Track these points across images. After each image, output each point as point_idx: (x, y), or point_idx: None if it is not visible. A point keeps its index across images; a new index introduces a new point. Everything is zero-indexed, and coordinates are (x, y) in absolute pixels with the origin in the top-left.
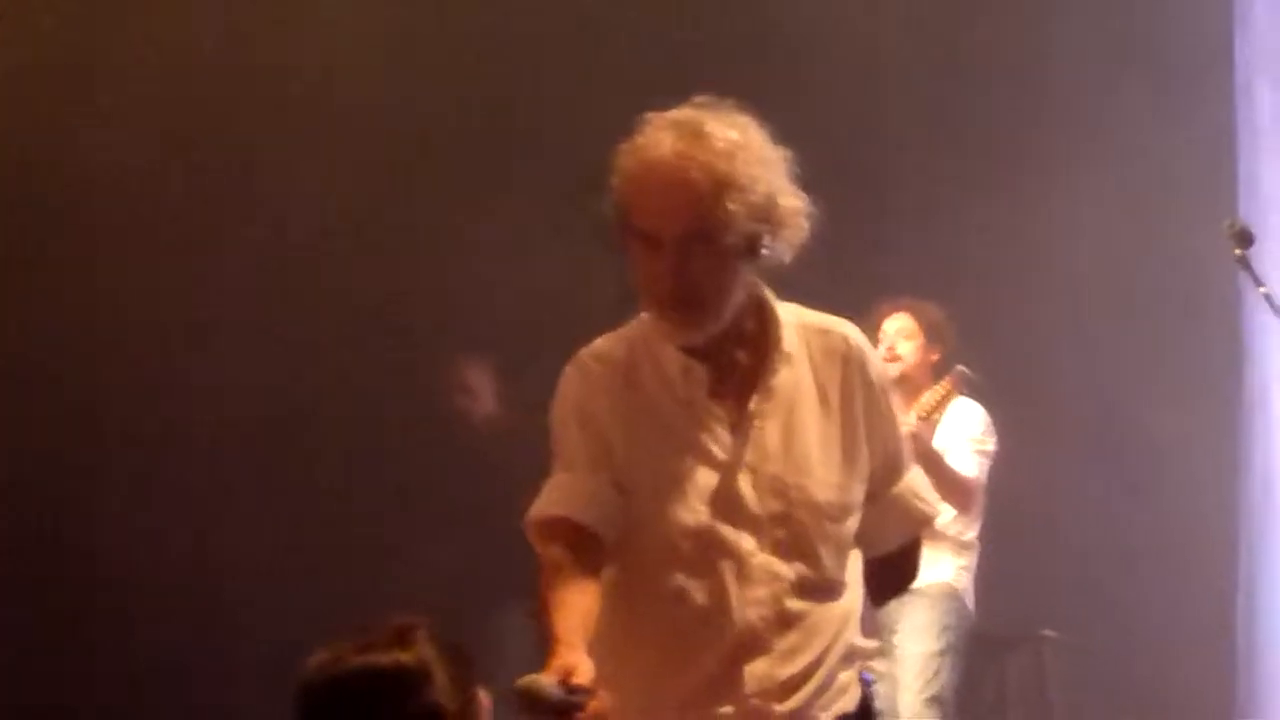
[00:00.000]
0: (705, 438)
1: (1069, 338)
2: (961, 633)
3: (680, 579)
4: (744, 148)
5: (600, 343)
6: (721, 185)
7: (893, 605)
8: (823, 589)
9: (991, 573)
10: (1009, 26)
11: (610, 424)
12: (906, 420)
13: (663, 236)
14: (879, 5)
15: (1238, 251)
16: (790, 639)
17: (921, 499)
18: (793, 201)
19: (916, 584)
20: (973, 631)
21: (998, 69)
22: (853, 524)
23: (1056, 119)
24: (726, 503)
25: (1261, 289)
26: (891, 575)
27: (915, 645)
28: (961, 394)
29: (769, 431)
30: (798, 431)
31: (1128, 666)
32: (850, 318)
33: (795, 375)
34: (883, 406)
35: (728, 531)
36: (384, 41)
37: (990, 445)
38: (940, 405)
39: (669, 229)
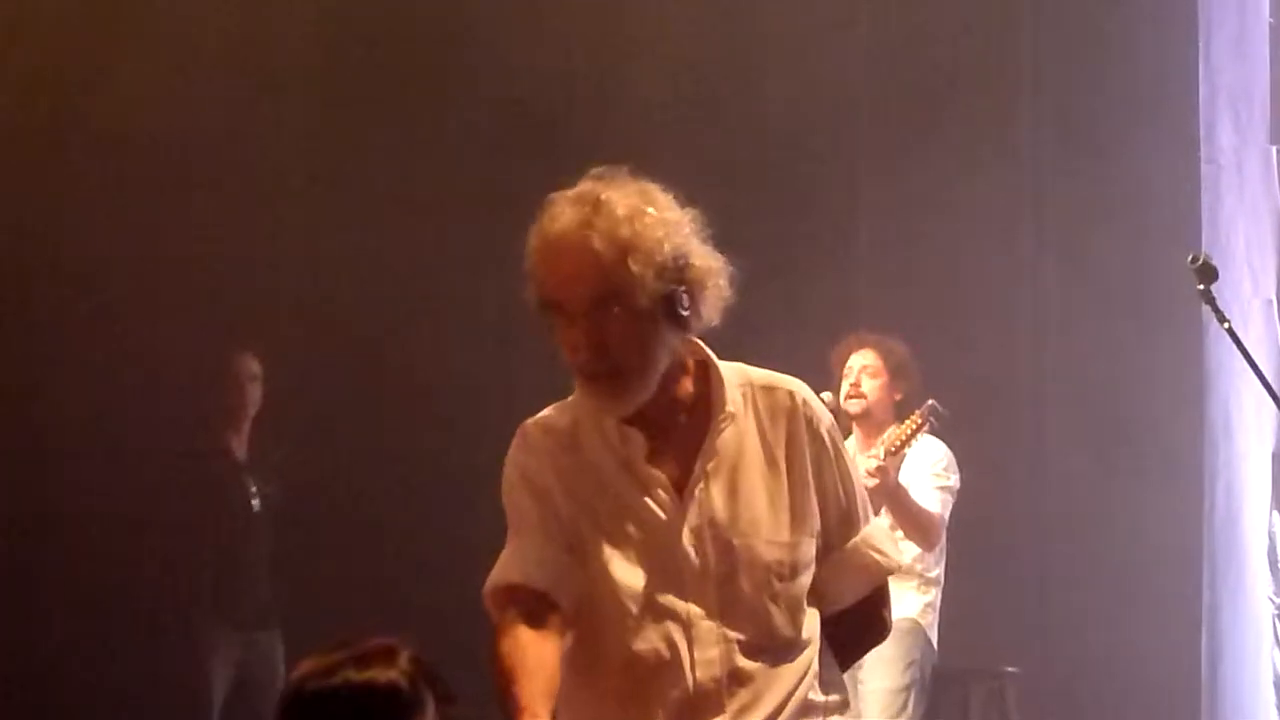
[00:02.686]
0: (648, 502)
1: (1032, 369)
2: (926, 668)
3: (632, 642)
4: (644, 211)
5: (545, 412)
6: (624, 249)
7: None
8: (774, 649)
9: (954, 608)
10: (976, 60)
11: (556, 491)
12: (875, 453)
13: (573, 306)
14: (843, 38)
15: (1201, 286)
16: (742, 697)
17: (880, 552)
18: (707, 262)
19: None
20: (936, 667)
21: (962, 98)
22: (805, 581)
23: (1023, 152)
24: (671, 566)
25: (1224, 324)
26: (853, 630)
27: (880, 681)
28: (931, 428)
29: (713, 493)
30: (743, 491)
31: (1089, 703)
32: (812, 353)
33: (740, 434)
34: (834, 460)
35: (674, 595)
36: None
37: (953, 482)
38: (909, 439)
39: (577, 296)
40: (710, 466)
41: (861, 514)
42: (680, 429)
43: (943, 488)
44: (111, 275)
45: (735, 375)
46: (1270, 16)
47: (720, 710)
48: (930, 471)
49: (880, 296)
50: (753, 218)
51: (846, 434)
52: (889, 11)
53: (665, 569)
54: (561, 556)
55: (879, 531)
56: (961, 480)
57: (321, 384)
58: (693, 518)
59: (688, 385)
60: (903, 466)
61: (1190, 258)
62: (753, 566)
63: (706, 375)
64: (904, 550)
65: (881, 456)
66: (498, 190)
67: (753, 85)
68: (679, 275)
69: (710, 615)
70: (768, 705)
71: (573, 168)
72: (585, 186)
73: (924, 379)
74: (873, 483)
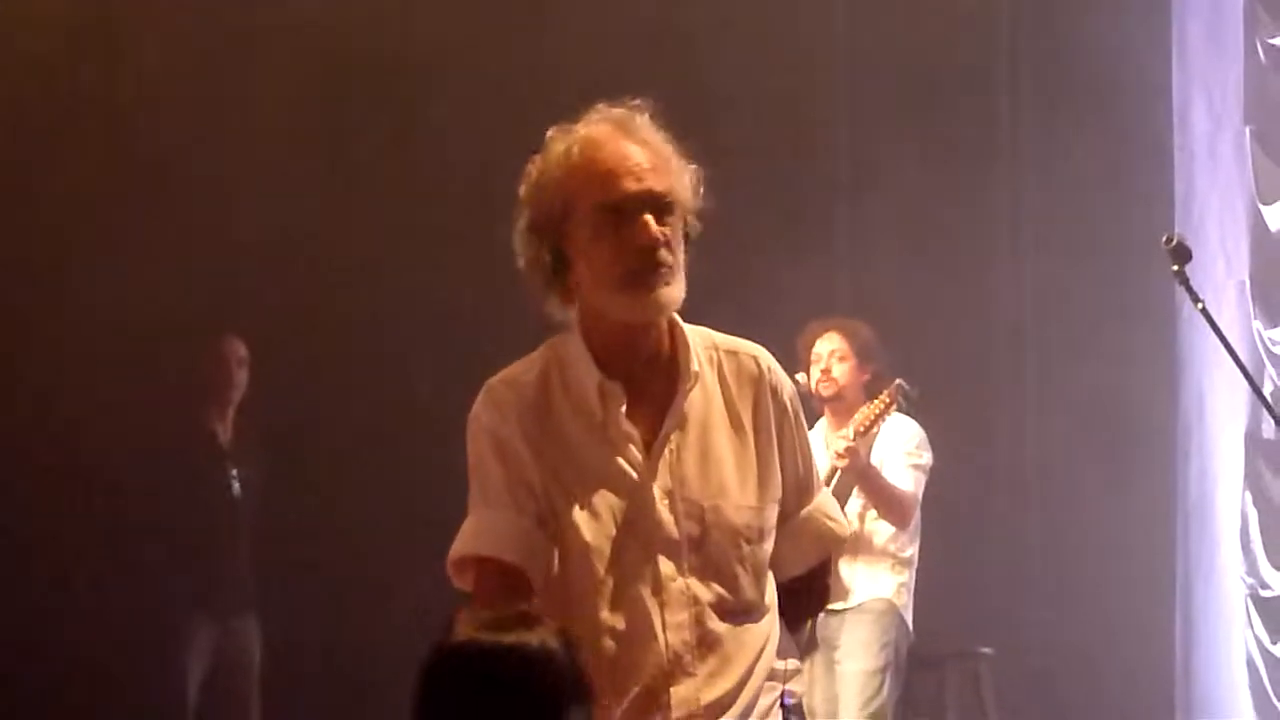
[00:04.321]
0: (619, 462)
1: (1007, 352)
2: (901, 649)
3: (603, 606)
4: (670, 146)
5: (510, 368)
6: (668, 156)
7: (833, 622)
8: (741, 612)
9: (929, 589)
10: (951, 47)
11: (524, 451)
12: (845, 435)
13: (640, 201)
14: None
15: (1175, 267)
16: (711, 662)
17: (833, 519)
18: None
19: (856, 600)
20: (911, 648)
21: (937, 87)
22: (768, 546)
23: (999, 136)
24: (643, 527)
25: (1198, 305)
26: (804, 597)
27: (856, 663)
28: (900, 408)
29: (683, 454)
30: (712, 454)
31: (1064, 683)
32: (782, 336)
33: (706, 397)
34: (794, 429)
35: (644, 557)
36: None
37: (926, 460)
38: (879, 419)
39: (645, 191)
40: (679, 428)
41: (815, 482)
42: (651, 388)
43: (915, 465)
44: (96, 255)
45: (700, 337)
46: None
47: (691, 674)
48: (903, 450)
49: (859, 281)
50: (731, 217)
51: (818, 418)
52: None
53: (636, 530)
54: (534, 530)
55: (829, 500)
56: (937, 462)
57: (306, 369)
58: (664, 479)
59: (664, 342)
60: (874, 446)
61: (1164, 239)
62: (722, 530)
63: (673, 334)
64: (878, 531)
65: (851, 437)
66: (484, 184)
67: (729, 84)
68: (693, 206)
69: (680, 576)
70: (737, 670)
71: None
72: (615, 112)
73: (894, 359)
74: (844, 464)
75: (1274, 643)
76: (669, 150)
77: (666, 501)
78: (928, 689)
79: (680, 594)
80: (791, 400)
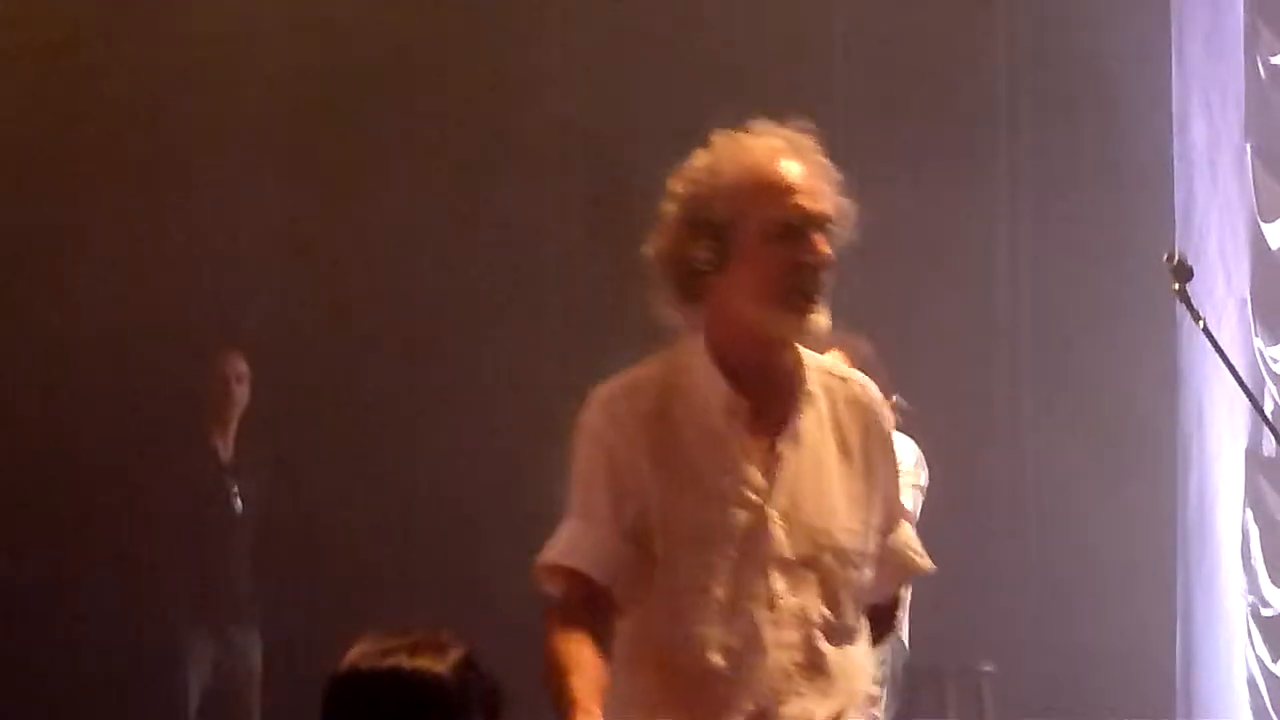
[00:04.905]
0: (738, 478)
1: (1006, 367)
2: (897, 666)
3: (714, 621)
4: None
5: (628, 376)
6: (836, 187)
7: None
8: (845, 634)
9: (928, 606)
10: (950, 61)
11: (636, 462)
12: None
13: (814, 221)
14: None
15: (1175, 285)
16: (820, 683)
17: (916, 550)
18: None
19: None
20: (909, 665)
21: (936, 100)
22: (869, 572)
23: (998, 148)
24: (758, 544)
25: (1199, 322)
26: (877, 625)
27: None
28: (898, 425)
29: (798, 474)
30: (824, 477)
31: (1065, 700)
32: None
33: (819, 420)
34: (891, 458)
35: (757, 574)
36: None
37: (924, 480)
38: None
39: (819, 212)
40: (795, 447)
41: (901, 512)
42: (770, 405)
43: (914, 486)
44: (99, 272)
45: (813, 361)
46: (1244, 13)
47: (800, 694)
48: (901, 470)
49: (858, 293)
50: None
51: None
52: (863, 17)
53: (750, 547)
54: (625, 549)
55: (911, 532)
56: (936, 479)
57: (308, 384)
58: (779, 498)
59: (789, 359)
60: None
61: (1165, 256)
62: (833, 552)
63: (790, 353)
64: None
65: None
66: (483, 199)
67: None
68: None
69: (792, 595)
70: (843, 691)
71: (541, 184)
72: (786, 132)
73: (893, 377)
74: None
75: (1275, 661)
76: (833, 177)
77: (781, 521)
78: (927, 706)
79: (792, 613)
80: (889, 429)
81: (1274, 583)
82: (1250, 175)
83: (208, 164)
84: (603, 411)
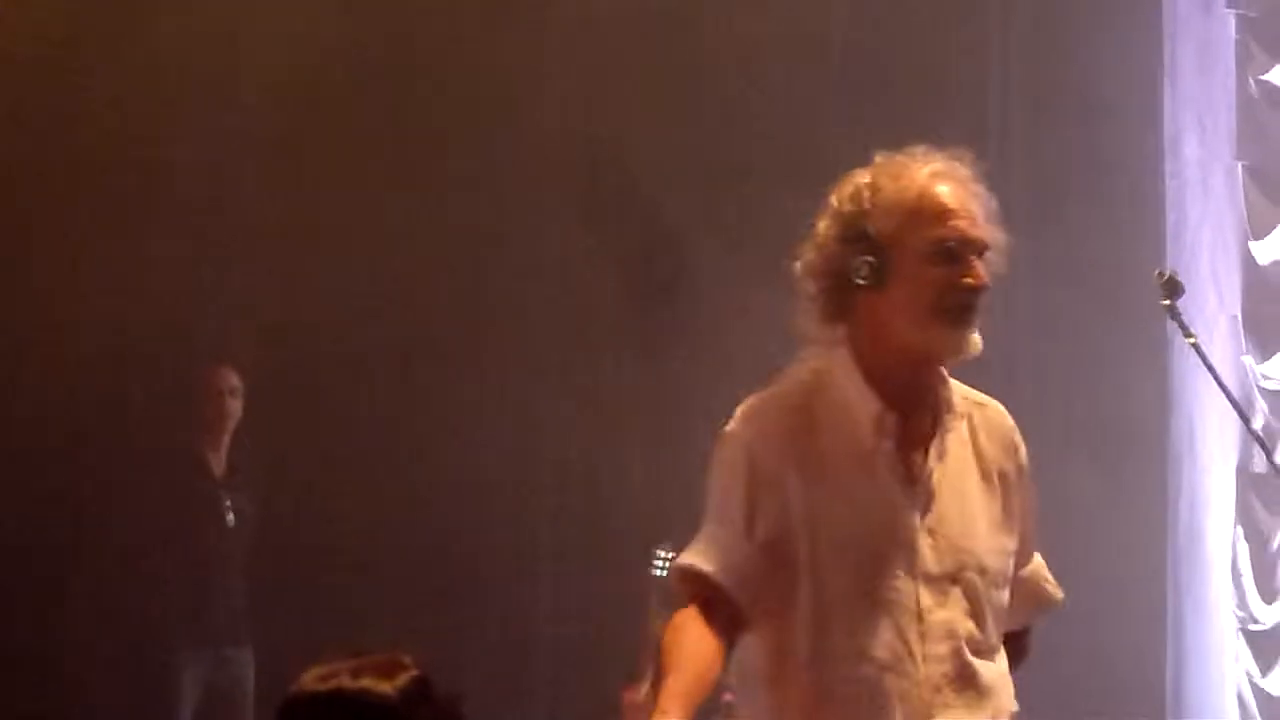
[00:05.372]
0: (885, 492)
1: (996, 383)
2: None
3: (862, 633)
4: None
5: (774, 389)
6: (990, 212)
7: None
8: (989, 651)
9: None
10: (942, 76)
11: (785, 475)
12: None
13: (971, 244)
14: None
15: (1166, 301)
16: (969, 696)
17: (1050, 582)
18: None
19: None
20: None
21: (930, 115)
22: (1008, 594)
23: (990, 163)
24: (905, 559)
25: (1190, 339)
26: (1012, 655)
27: None
28: None
29: (945, 493)
30: (967, 496)
31: (1057, 715)
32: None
33: (961, 441)
34: (1027, 486)
35: (906, 588)
36: None
37: None
38: None
39: (976, 236)
40: (941, 466)
41: (1034, 542)
42: (916, 423)
43: None
44: (88, 283)
45: (953, 384)
46: (1236, 32)
47: (950, 706)
48: None
49: None
50: (709, 233)
51: None
52: (861, 23)
53: (897, 561)
54: (758, 560)
55: (1042, 562)
56: None
57: (301, 399)
58: (926, 513)
59: (935, 379)
60: None
61: (1156, 273)
62: (977, 570)
63: (935, 373)
64: None
65: None
66: (474, 213)
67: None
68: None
69: (940, 609)
70: (991, 706)
71: (539, 190)
72: (950, 158)
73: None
74: None
75: (1264, 676)
76: (990, 205)
77: (928, 537)
78: None
79: (941, 626)
80: (1025, 456)
81: (1264, 598)
82: (1241, 193)
83: (202, 175)
84: (749, 424)
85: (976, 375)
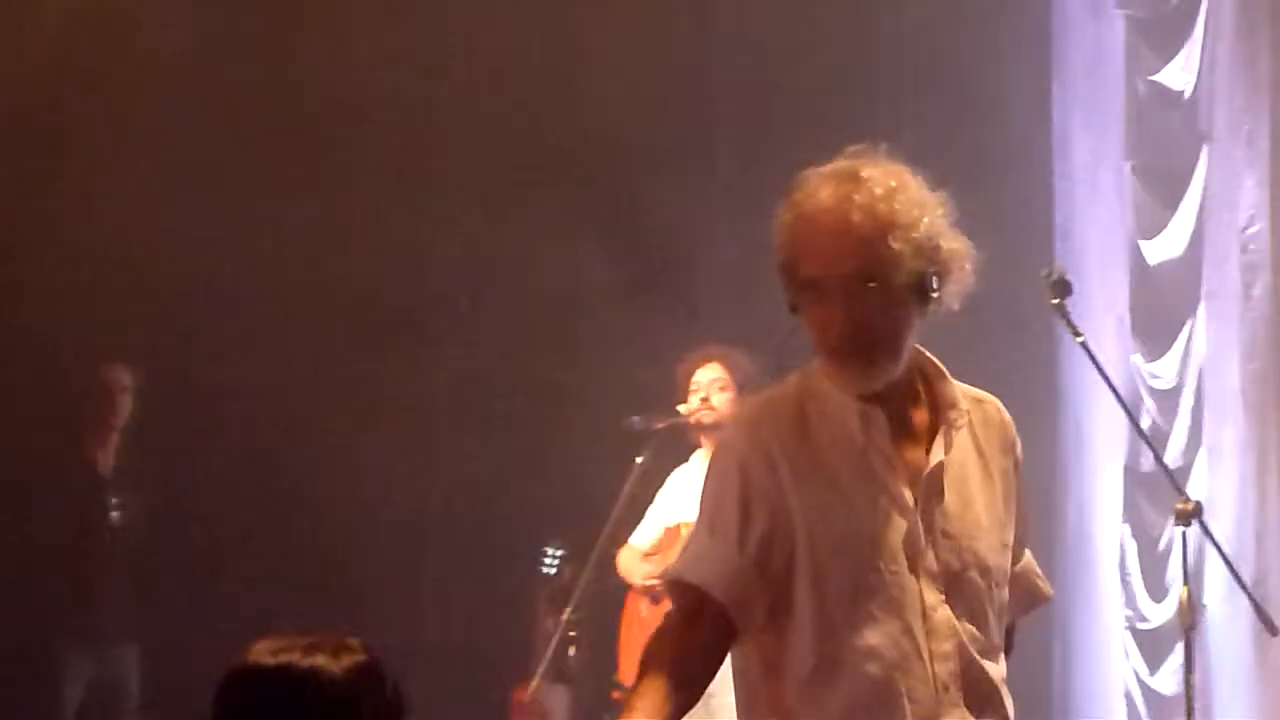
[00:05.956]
0: (885, 492)
1: None
2: None
3: (866, 632)
4: (903, 189)
5: (765, 398)
6: (884, 225)
7: None
8: (990, 651)
9: None
10: (831, 75)
11: (780, 481)
12: None
13: (830, 281)
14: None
15: (1055, 301)
16: (975, 696)
17: (1041, 577)
18: (955, 244)
19: None
20: None
21: (819, 115)
22: (1007, 592)
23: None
24: (908, 556)
25: (1078, 338)
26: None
27: (728, 694)
28: None
29: (946, 489)
30: (968, 492)
31: None
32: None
33: (962, 437)
34: (1021, 484)
35: (912, 584)
36: None
37: None
38: None
39: (835, 272)
40: (943, 463)
41: (1027, 537)
42: (911, 420)
43: None
44: None
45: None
46: (1124, 32)
47: (958, 705)
48: None
49: (735, 309)
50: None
51: (693, 448)
52: (746, 30)
53: (901, 559)
54: (750, 571)
55: (1032, 558)
56: None
57: (195, 400)
58: (926, 509)
59: (919, 380)
60: None
61: (1044, 273)
62: (979, 569)
63: (927, 370)
64: None
65: None
66: (377, 196)
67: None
68: (933, 256)
69: (942, 606)
70: (997, 705)
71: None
72: (842, 163)
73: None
74: None
75: (1152, 674)
76: (891, 209)
77: (930, 535)
78: None
79: (944, 624)
80: (1021, 452)
81: (1152, 598)
82: (1130, 193)
83: (99, 170)
84: (743, 432)
85: None
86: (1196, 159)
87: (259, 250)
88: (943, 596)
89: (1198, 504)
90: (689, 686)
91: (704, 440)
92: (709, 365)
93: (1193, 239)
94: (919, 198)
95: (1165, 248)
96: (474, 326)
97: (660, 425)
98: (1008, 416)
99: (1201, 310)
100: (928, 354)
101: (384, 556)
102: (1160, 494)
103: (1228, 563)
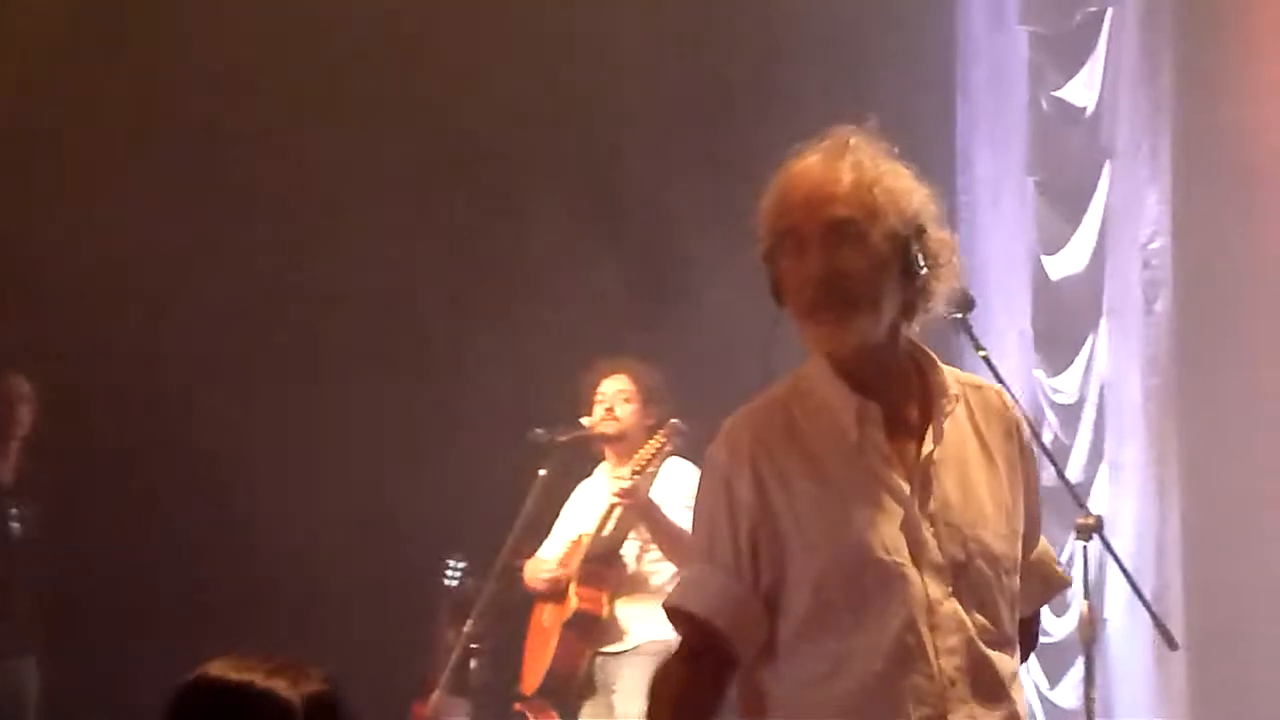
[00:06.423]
0: (882, 486)
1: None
2: None
3: (871, 629)
4: (892, 166)
5: (749, 407)
6: (871, 180)
7: (609, 664)
8: (1001, 642)
9: None
10: (729, 88)
11: (766, 487)
12: (620, 474)
13: (810, 227)
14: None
15: (957, 315)
16: (983, 691)
17: (1058, 563)
18: (942, 234)
19: (634, 642)
20: None
21: (718, 125)
22: (1018, 580)
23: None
24: (910, 549)
25: (981, 353)
26: (1022, 640)
27: (635, 704)
28: (675, 448)
29: (945, 479)
30: (969, 481)
31: None
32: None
33: (958, 426)
34: (1032, 470)
35: (915, 577)
36: None
37: None
38: (655, 458)
39: (815, 220)
40: (940, 451)
41: (1039, 523)
42: (904, 411)
43: (689, 508)
44: None
45: (946, 367)
46: (1027, 48)
47: (966, 701)
48: (681, 494)
49: (643, 312)
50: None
51: (598, 459)
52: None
53: (902, 553)
54: (749, 598)
55: (1049, 547)
56: None
57: (95, 407)
58: (927, 501)
59: (912, 372)
60: (655, 488)
61: None
62: (985, 558)
63: (919, 358)
64: (656, 571)
65: (628, 477)
66: (287, 194)
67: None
68: (917, 229)
69: (948, 600)
70: (1006, 699)
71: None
72: (834, 138)
73: (677, 403)
74: (627, 501)
75: (1052, 689)
76: (878, 170)
77: (931, 526)
78: None
79: (950, 618)
80: (1030, 440)
81: (1053, 611)
82: (1032, 208)
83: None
84: (725, 443)
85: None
86: (1099, 175)
87: (164, 256)
88: (949, 589)
89: (1099, 518)
90: None
91: (608, 452)
92: (614, 376)
93: (1095, 254)
94: (908, 182)
95: (1067, 263)
96: (372, 338)
97: (564, 438)
98: (1009, 400)
99: (1103, 325)
100: (921, 345)
101: (284, 566)
102: (1062, 508)
103: (1128, 577)
